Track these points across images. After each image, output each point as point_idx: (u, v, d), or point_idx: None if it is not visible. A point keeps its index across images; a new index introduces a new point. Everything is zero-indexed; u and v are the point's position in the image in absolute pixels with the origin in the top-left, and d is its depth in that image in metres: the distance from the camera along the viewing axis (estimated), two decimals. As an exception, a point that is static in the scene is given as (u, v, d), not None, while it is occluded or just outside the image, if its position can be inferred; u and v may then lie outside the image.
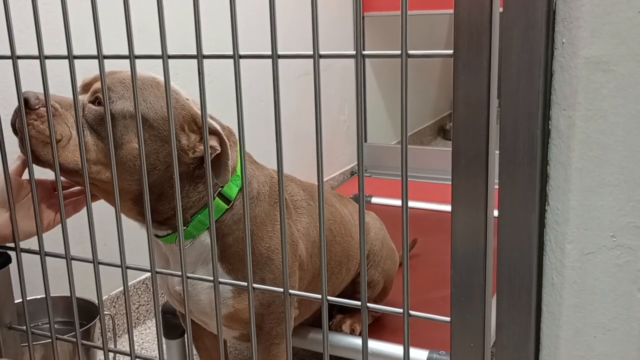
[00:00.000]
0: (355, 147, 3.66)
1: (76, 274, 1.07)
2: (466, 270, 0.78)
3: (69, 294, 1.10)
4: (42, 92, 1.00)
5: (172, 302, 1.47)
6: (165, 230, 1.25)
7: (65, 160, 1.12)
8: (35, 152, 1.10)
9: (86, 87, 1.21)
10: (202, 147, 1.19)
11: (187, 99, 1.20)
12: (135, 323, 2.22)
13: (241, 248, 1.28)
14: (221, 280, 0.94)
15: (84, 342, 1.15)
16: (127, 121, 1.14)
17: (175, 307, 1.51)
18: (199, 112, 1.18)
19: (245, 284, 0.92)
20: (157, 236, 1.26)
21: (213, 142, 1.18)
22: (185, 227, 1.24)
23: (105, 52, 0.92)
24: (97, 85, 1.17)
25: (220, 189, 1.25)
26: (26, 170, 1.15)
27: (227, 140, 1.18)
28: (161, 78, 1.20)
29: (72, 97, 1.18)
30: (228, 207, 1.26)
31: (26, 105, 1.10)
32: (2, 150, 1.08)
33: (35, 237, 1.10)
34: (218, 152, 1.18)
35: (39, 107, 1.10)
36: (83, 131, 1.13)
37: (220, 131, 1.18)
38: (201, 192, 1.23)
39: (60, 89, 1.39)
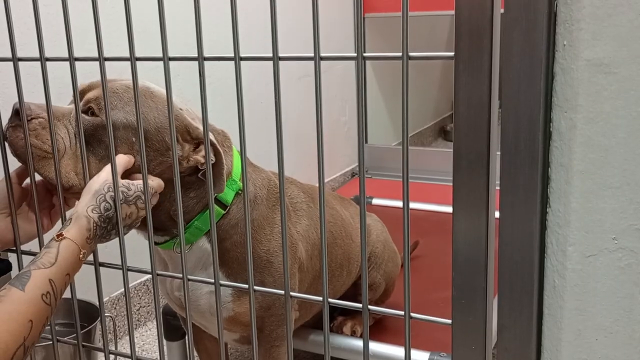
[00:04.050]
0: (356, 148, 3.65)
1: (77, 276, 1.07)
2: (467, 272, 0.78)
3: (69, 296, 1.09)
4: (43, 93, 1.00)
5: (172, 306, 1.47)
6: (162, 236, 1.25)
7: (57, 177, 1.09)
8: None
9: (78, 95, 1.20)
10: (195, 157, 1.18)
11: (181, 109, 1.18)
12: (136, 325, 2.22)
13: (239, 252, 1.28)
14: (222, 282, 0.94)
15: (85, 344, 1.15)
16: (119, 132, 1.12)
17: (176, 311, 1.51)
18: (193, 122, 1.17)
19: (246, 286, 0.91)
20: (154, 243, 1.26)
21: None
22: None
23: (106, 54, 0.92)
24: (90, 95, 1.15)
25: (215, 195, 1.24)
26: (22, 179, 1.14)
27: (221, 150, 1.18)
28: (155, 87, 1.19)
29: (64, 105, 1.17)
30: (225, 212, 1.26)
31: (17, 116, 1.08)
32: (3, 153, 1.08)
33: (36, 240, 1.10)
34: (212, 162, 1.17)
35: (31, 119, 1.08)
36: (76, 143, 1.12)
37: (215, 141, 1.18)
38: (193, 199, 1.22)
39: (62, 90, 1.39)
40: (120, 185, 1.03)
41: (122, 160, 1.10)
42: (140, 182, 1.07)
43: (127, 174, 1.11)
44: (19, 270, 1.07)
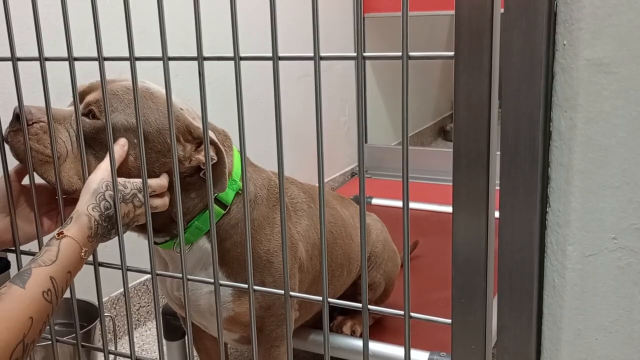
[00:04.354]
0: (356, 148, 3.65)
1: (76, 276, 1.07)
2: (467, 272, 0.78)
3: (69, 296, 1.09)
4: (42, 93, 1.00)
5: (172, 305, 1.47)
6: (162, 237, 1.25)
7: (60, 181, 1.09)
8: (34, 171, 1.09)
9: (78, 97, 1.19)
10: (197, 157, 1.17)
11: (182, 109, 1.18)
12: (135, 325, 2.22)
13: (240, 252, 1.28)
14: (222, 282, 0.94)
15: (84, 344, 1.14)
16: (120, 134, 1.12)
17: (175, 311, 1.51)
18: (194, 122, 1.17)
19: (246, 286, 0.91)
20: (155, 243, 1.26)
21: (210, 151, 1.17)
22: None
23: (106, 54, 0.92)
24: (90, 97, 1.15)
25: (216, 194, 1.24)
26: (22, 177, 1.14)
27: (223, 149, 1.18)
28: (155, 88, 1.19)
29: (65, 107, 1.17)
30: (225, 212, 1.26)
31: (19, 120, 1.08)
32: (2, 154, 1.08)
33: (36, 240, 1.10)
34: (215, 161, 1.17)
35: (32, 123, 1.08)
36: (78, 146, 1.12)
37: (217, 140, 1.18)
38: (194, 199, 1.22)
39: (60, 90, 1.39)
40: (117, 184, 1.03)
41: (116, 155, 1.09)
42: (137, 180, 1.07)
43: (128, 176, 1.11)
44: (18, 269, 1.07)
